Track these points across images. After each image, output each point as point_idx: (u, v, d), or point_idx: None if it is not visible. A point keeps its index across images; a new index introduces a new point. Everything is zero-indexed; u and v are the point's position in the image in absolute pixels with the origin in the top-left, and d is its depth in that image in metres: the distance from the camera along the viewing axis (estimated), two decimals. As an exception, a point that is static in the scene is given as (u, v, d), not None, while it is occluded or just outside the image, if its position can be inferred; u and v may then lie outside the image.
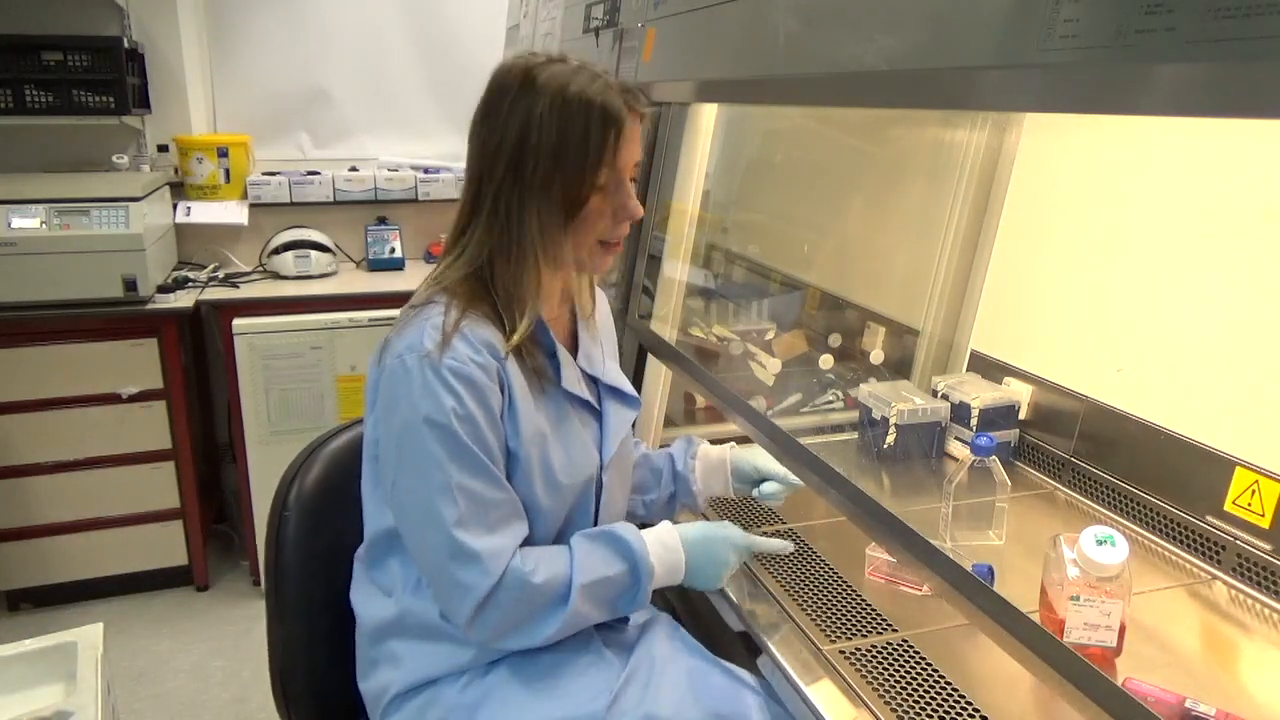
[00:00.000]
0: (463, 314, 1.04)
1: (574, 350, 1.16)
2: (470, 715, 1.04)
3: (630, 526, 1.11)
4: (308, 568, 1.23)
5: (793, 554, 1.29)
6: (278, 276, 2.96)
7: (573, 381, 1.12)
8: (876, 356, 1.83)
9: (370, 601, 1.14)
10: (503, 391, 1.04)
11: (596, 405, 1.16)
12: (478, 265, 1.07)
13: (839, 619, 1.13)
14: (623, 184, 1.06)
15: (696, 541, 1.12)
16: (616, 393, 1.18)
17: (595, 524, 1.15)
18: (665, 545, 1.11)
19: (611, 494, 1.17)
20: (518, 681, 1.05)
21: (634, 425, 1.24)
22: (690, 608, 1.30)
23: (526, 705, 1.03)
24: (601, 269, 1.14)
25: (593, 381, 1.16)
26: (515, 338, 1.04)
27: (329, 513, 1.24)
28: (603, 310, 1.28)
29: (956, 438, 1.57)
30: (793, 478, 1.29)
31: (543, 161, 1.02)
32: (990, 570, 1.15)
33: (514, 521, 1.05)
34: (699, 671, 1.07)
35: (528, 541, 1.07)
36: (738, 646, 1.15)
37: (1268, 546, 1.17)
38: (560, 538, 1.11)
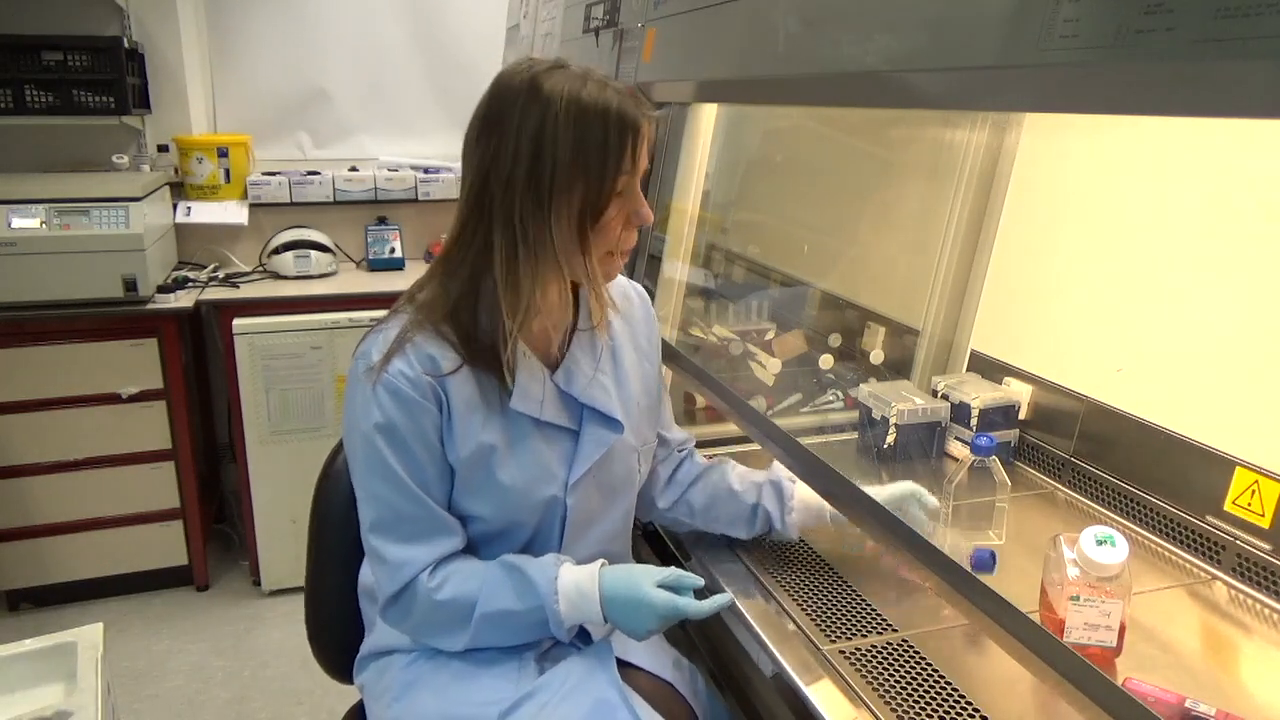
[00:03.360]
0: (417, 330, 1.06)
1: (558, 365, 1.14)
2: (403, 693, 1.12)
3: (548, 566, 1.08)
4: (348, 524, 1.28)
5: (792, 554, 1.29)
6: (278, 276, 2.96)
7: (527, 401, 1.09)
8: (876, 356, 1.83)
9: (367, 566, 1.21)
10: (442, 408, 1.06)
11: (573, 424, 1.14)
12: (473, 279, 1.06)
13: (839, 619, 1.13)
14: (637, 190, 1.06)
15: (615, 600, 1.07)
16: (596, 414, 1.15)
17: (560, 545, 1.15)
18: (582, 593, 1.06)
19: (583, 516, 1.15)
20: (443, 672, 1.11)
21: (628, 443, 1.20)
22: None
23: (437, 696, 1.09)
24: (611, 277, 1.14)
25: (575, 399, 1.14)
26: (507, 350, 1.05)
27: None
28: (636, 317, 1.26)
29: (956, 438, 1.57)
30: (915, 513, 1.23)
31: (561, 171, 1.00)
32: (992, 555, 1.15)
33: (433, 536, 1.08)
34: (605, 706, 1.02)
35: (474, 553, 1.12)
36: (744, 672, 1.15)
37: (1268, 546, 1.17)
38: (526, 553, 1.13)
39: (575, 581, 1.07)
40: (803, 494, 1.27)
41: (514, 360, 1.07)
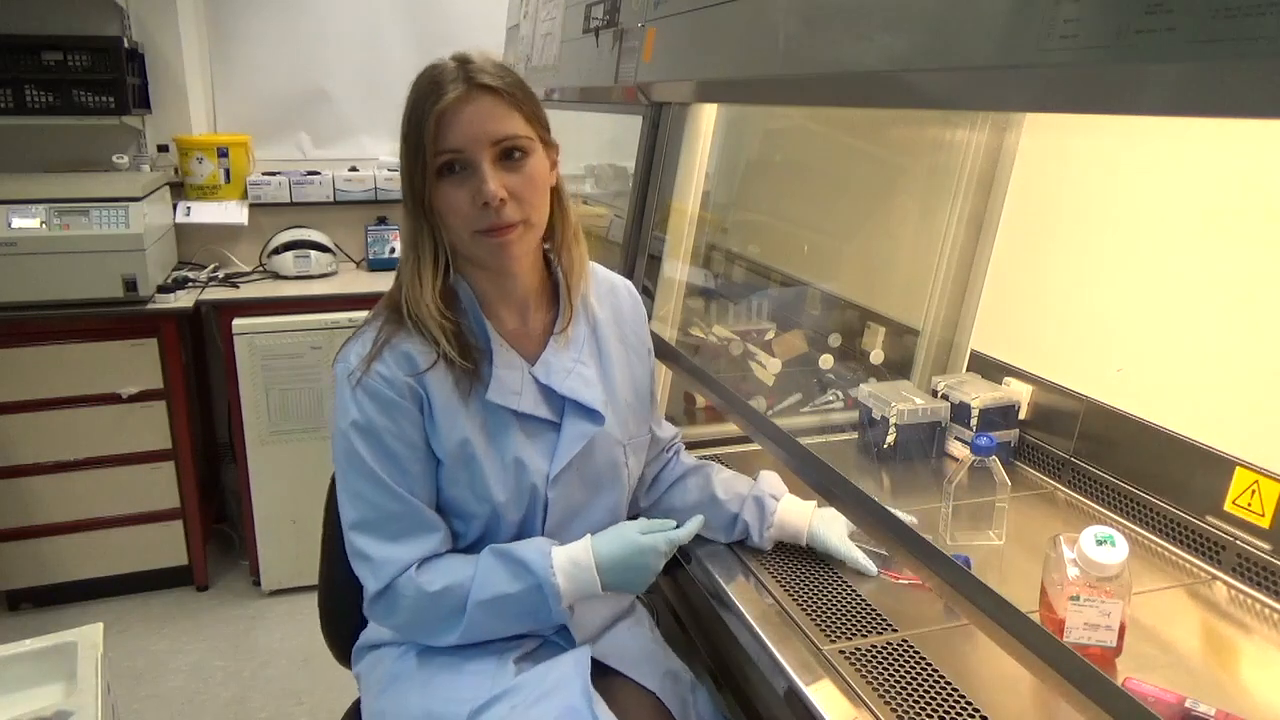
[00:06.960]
0: (393, 329, 1.08)
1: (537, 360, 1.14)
2: (389, 686, 1.14)
3: (539, 546, 1.09)
4: None
5: (792, 554, 1.29)
6: (278, 276, 2.97)
7: (504, 393, 1.10)
8: (876, 356, 1.83)
9: None
10: (423, 406, 1.07)
11: (554, 416, 1.14)
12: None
13: (839, 619, 1.13)
14: (474, 166, 1.02)
15: (613, 564, 1.10)
16: (577, 406, 1.14)
17: (542, 535, 1.14)
18: (577, 564, 1.09)
19: (566, 509, 1.15)
20: (428, 667, 1.12)
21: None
22: (690, 607, 1.29)
23: (419, 691, 1.10)
24: (503, 262, 1.07)
25: (555, 392, 1.14)
26: (441, 347, 1.06)
27: None
28: (624, 312, 1.26)
29: (956, 438, 1.57)
30: (864, 561, 1.22)
31: (401, 157, 1.05)
32: (967, 560, 1.16)
33: (417, 535, 1.09)
34: (573, 714, 1.02)
35: (471, 547, 1.12)
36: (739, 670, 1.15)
37: (1268, 546, 1.17)
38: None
39: (569, 555, 1.09)
40: (784, 514, 1.26)
41: (476, 354, 1.09)
